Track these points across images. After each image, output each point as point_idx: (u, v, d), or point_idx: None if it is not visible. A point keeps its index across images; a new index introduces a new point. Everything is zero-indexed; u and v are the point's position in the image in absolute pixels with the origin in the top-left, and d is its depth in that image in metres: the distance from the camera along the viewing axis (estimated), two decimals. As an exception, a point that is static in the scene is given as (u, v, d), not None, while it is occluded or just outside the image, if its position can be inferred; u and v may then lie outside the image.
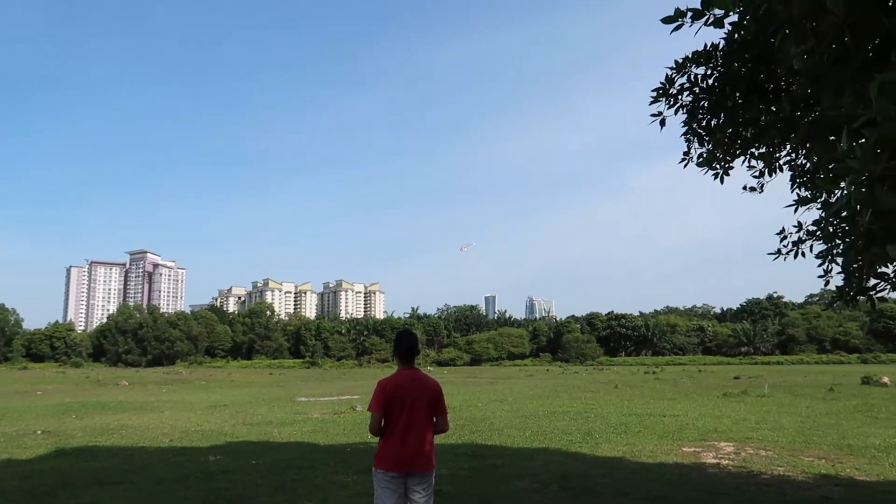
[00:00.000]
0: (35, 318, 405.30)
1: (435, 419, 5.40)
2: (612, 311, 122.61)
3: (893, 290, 5.55)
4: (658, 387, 38.20)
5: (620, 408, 23.27)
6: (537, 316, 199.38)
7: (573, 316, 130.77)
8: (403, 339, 5.55)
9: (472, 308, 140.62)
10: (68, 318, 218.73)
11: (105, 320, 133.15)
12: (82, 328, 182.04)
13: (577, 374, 60.51)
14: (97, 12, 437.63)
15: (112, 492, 9.70)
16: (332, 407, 25.29)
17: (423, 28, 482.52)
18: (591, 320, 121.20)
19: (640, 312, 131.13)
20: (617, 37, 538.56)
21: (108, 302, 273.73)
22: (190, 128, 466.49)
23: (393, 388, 5.26)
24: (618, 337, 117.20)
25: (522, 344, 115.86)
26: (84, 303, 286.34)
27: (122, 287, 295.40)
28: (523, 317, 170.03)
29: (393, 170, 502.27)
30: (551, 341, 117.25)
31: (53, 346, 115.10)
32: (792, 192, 6.61)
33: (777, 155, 6.68)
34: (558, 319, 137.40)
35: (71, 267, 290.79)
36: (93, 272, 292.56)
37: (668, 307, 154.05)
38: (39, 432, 17.41)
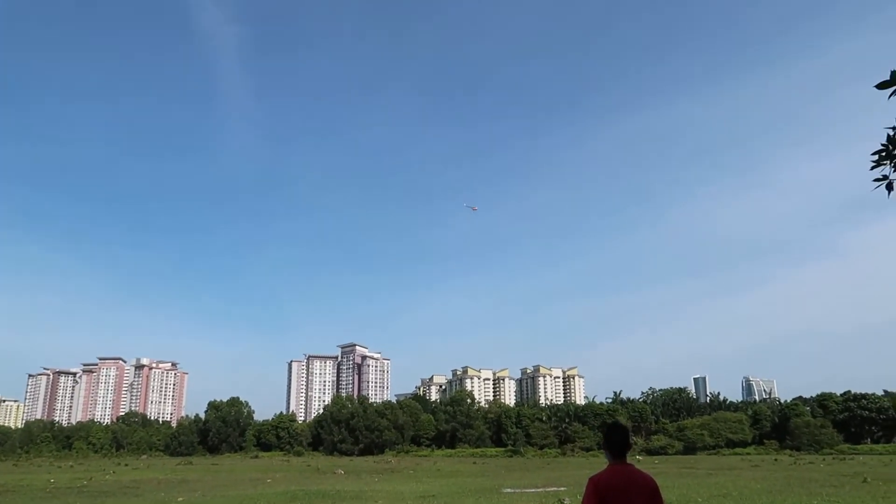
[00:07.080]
0: (261, 409, 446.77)
1: (653, 518, 4.91)
2: (850, 392, 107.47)
3: None
4: (921, 481, 32.24)
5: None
6: (756, 398, 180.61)
7: (800, 397, 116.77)
8: (615, 432, 5.21)
9: (681, 391, 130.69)
10: (290, 409, 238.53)
11: (321, 410, 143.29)
12: (302, 418, 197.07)
13: (812, 465, 53.18)
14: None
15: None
16: (539, 499, 24.44)
17: (591, 106, 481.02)
18: (823, 402, 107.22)
19: (885, 392, 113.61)
20: (805, 95, 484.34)
21: (324, 393, 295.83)
22: (369, 231, 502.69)
23: (606, 487, 4.91)
24: (859, 421, 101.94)
25: (742, 430, 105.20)
26: (303, 394, 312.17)
27: (335, 379, 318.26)
28: (740, 399, 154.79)
29: (579, 251, 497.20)
30: (776, 427, 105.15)
31: (279, 436, 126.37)
32: None
33: None
34: (782, 402, 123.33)
35: (292, 361, 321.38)
36: (310, 366, 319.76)
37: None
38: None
